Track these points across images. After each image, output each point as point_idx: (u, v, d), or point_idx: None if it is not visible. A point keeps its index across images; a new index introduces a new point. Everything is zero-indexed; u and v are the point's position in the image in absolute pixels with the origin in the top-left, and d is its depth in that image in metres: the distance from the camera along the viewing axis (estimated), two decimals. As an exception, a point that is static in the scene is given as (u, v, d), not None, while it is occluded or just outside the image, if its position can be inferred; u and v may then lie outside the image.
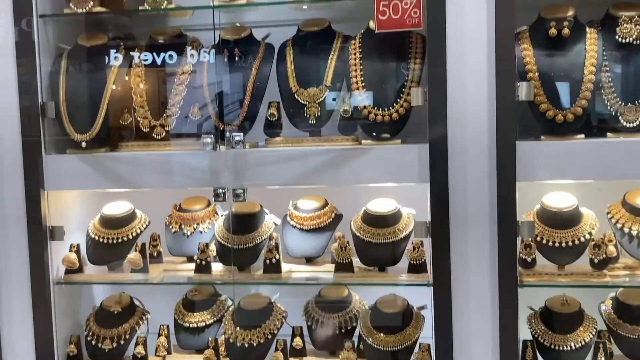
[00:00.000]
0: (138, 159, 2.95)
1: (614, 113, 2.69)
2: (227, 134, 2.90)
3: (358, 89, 2.84)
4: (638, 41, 2.69)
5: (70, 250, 3.09)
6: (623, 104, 2.69)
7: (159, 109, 3.02)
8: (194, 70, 2.99)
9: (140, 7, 2.96)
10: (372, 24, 2.84)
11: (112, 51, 2.99)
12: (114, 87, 2.97)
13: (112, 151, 3.01)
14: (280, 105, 2.97)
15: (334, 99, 2.94)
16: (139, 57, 2.99)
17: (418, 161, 2.71)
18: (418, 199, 2.83)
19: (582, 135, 2.69)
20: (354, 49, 2.90)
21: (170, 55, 2.95)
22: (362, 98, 2.83)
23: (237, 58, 2.97)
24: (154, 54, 2.97)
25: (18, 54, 2.90)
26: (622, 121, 2.69)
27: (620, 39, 2.70)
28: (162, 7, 2.92)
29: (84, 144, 2.94)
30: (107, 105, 2.95)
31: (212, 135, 2.87)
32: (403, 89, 2.82)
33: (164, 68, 3.01)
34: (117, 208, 3.15)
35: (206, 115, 2.98)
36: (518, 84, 2.62)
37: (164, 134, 2.99)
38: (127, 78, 3.02)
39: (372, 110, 2.83)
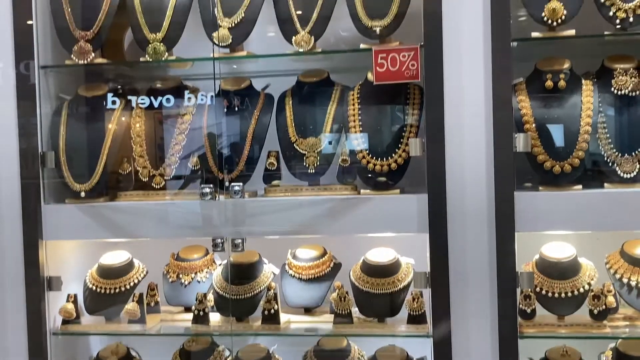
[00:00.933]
0: (137, 208, 2.96)
1: (611, 164, 2.72)
2: (227, 183, 2.91)
3: (357, 139, 2.87)
4: (633, 93, 2.73)
5: (68, 301, 3.07)
6: (620, 155, 2.72)
7: (159, 158, 3.03)
8: (194, 119, 3.01)
9: (141, 59, 2.99)
10: (370, 76, 2.88)
11: (110, 95, 3.02)
12: (113, 136, 2.99)
13: (111, 200, 3.02)
14: (280, 155, 2.99)
15: (330, 142, 2.96)
16: (137, 100, 3.01)
17: (417, 211, 2.72)
18: (417, 249, 2.83)
19: (580, 186, 2.70)
20: (353, 99, 2.94)
21: (168, 99, 2.98)
22: (361, 148, 2.87)
23: (236, 108, 3.00)
24: (152, 97, 3.00)
25: (19, 105, 2.92)
26: (619, 172, 2.71)
27: (615, 91, 2.74)
28: (163, 59, 2.95)
29: (83, 194, 2.95)
30: (106, 155, 2.97)
31: (211, 185, 2.88)
32: (401, 139, 2.84)
33: (163, 115, 3.05)
34: (115, 258, 3.13)
35: (205, 165, 2.99)
36: (515, 135, 2.64)
37: (163, 183, 3.00)
38: (127, 127, 3.04)
39: (371, 160, 2.85)
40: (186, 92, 3.00)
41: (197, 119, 3.02)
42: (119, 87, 3.13)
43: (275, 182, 2.98)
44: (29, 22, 2.93)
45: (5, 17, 2.92)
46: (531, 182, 2.81)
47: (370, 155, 2.85)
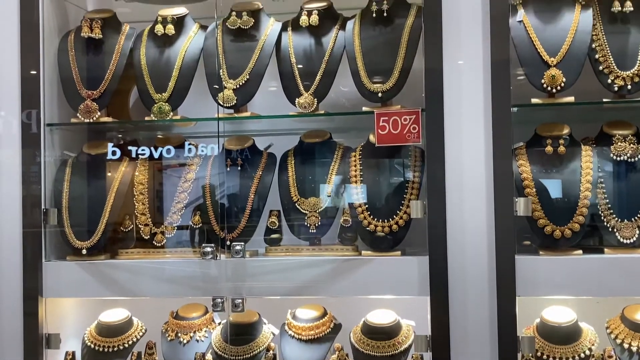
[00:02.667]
0: (137, 266, 2.95)
1: (610, 229, 2.73)
2: (228, 242, 2.92)
3: (358, 200, 2.89)
4: (632, 159, 2.77)
5: (66, 358, 3.04)
6: (619, 220, 2.74)
7: (160, 215, 3.05)
8: (197, 177, 3.04)
9: (146, 118, 3.04)
10: (372, 138, 2.92)
11: (110, 145, 3.05)
12: (116, 194, 3.00)
13: (112, 258, 3.02)
14: (281, 214, 3.01)
15: (331, 203, 2.98)
16: (137, 150, 3.04)
17: (418, 274, 2.72)
18: (418, 311, 2.82)
19: (580, 251, 2.72)
20: (354, 160, 2.96)
21: (169, 149, 3.01)
22: (362, 209, 2.88)
23: (239, 167, 3.03)
24: (151, 148, 3.04)
25: (24, 163, 2.95)
26: (619, 237, 2.73)
27: (614, 157, 2.77)
28: (168, 118, 3.00)
29: (84, 251, 2.96)
30: (109, 212, 2.99)
31: (212, 244, 2.89)
32: (403, 201, 2.86)
33: (166, 173, 3.09)
34: (113, 315, 3.11)
35: (207, 223, 3.00)
36: (516, 199, 2.67)
37: (164, 241, 3.01)
38: (130, 184, 3.05)
39: (372, 221, 2.86)
40: (186, 143, 3.04)
41: (199, 176, 3.04)
42: (122, 142, 3.16)
43: (275, 236, 2.99)
44: (33, 72, 2.96)
45: (13, 67, 2.96)
46: (530, 241, 2.82)
47: (371, 217, 2.86)
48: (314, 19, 2.96)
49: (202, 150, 3.03)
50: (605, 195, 2.76)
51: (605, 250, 2.73)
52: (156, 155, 3.02)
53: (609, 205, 2.75)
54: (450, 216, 2.68)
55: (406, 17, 2.90)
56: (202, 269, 2.90)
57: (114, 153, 3.04)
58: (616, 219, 2.73)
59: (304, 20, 2.98)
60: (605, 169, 2.79)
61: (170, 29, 3.06)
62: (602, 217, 2.74)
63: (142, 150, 3.05)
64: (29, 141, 2.96)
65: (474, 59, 2.68)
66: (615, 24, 2.79)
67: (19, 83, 2.97)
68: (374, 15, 2.92)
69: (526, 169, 2.80)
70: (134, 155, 3.06)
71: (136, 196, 3.04)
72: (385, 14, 2.91)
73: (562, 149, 2.79)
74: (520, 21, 2.82)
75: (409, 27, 2.88)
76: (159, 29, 3.06)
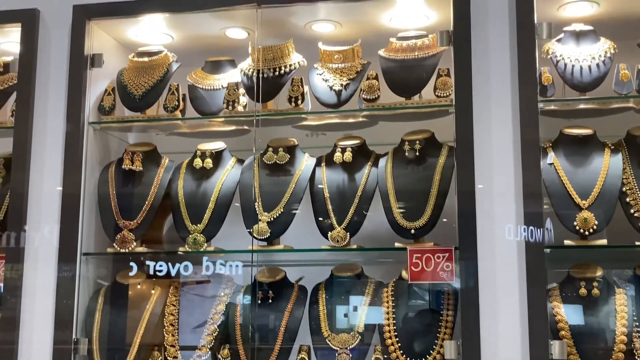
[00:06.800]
0: (166, 401, 2.91)
1: (649, 375, 2.69)
2: (258, 378, 2.88)
3: (390, 338, 2.86)
4: (668, 305, 2.75)
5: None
6: (656, 363, 2.69)
7: (190, 348, 3.02)
8: (228, 310, 3.02)
9: (181, 248, 3.07)
10: (405, 274, 2.91)
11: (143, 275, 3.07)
12: (146, 325, 2.99)
13: (140, 391, 2.98)
14: (311, 349, 2.96)
15: (362, 339, 2.91)
16: (154, 266, 3.02)
17: (451, 415, 2.66)
18: None
19: (618, 400, 2.66)
20: (387, 296, 2.95)
21: (186, 266, 2.99)
22: (395, 347, 2.82)
23: (270, 301, 3.01)
24: (169, 263, 3.01)
25: (58, 291, 2.96)
26: (654, 374, 2.67)
27: (650, 301, 2.77)
28: (202, 250, 3.02)
29: (113, 384, 2.93)
30: (138, 344, 2.97)
31: (242, 380, 2.85)
32: (436, 341, 2.82)
33: (196, 305, 3.06)
34: None
35: (236, 358, 2.96)
36: (551, 342, 2.62)
37: (194, 376, 2.97)
38: (160, 315, 3.04)
39: (405, 360, 2.84)
40: (205, 258, 3.00)
41: (230, 310, 3.04)
42: (157, 272, 3.14)
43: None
44: (73, 202, 3.00)
45: (54, 197, 3.02)
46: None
47: (404, 356, 2.81)
48: (348, 156, 3.03)
49: (221, 269, 2.98)
50: (643, 341, 2.73)
51: (642, 393, 2.67)
52: (173, 272, 3.00)
53: (647, 350, 2.71)
54: (485, 358, 2.63)
55: (438, 156, 2.97)
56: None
57: (150, 290, 3.04)
58: (653, 363, 2.69)
59: (338, 157, 3.05)
60: (641, 314, 2.78)
61: (209, 162, 3.13)
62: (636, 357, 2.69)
63: (160, 265, 3.02)
64: (64, 269, 2.98)
65: (507, 207, 2.72)
66: (645, 168, 2.85)
67: (59, 212, 3.02)
68: (407, 154, 2.98)
69: (560, 310, 2.78)
70: (151, 271, 3.02)
71: (166, 327, 3.02)
72: (417, 154, 2.98)
73: (596, 291, 2.78)
74: (550, 164, 2.88)
75: (441, 166, 2.94)
76: (198, 162, 3.13)
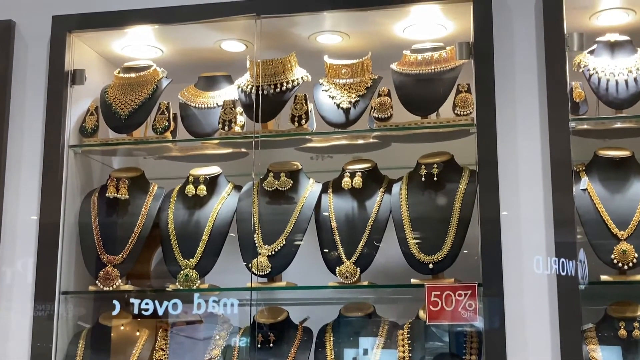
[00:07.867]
0: None
1: None
2: None
3: (407, 387, 2.60)
4: None
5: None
6: None
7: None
8: (223, 355, 2.76)
9: (171, 286, 2.83)
10: (422, 314, 2.66)
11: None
12: None
13: None
14: (318, 399, 2.73)
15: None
16: (139, 304, 2.78)
17: None
18: None
19: None
20: (402, 339, 2.69)
21: (175, 304, 2.74)
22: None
23: (271, 344, 2.76)
24: (155, 301, 2.77)
25: (34, 336, 2.75)
26: None
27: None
28: (194, 288, 2.79)
29: None
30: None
31: None
32: (457, 387, 2.59)
33: (188, 350, 2.81)
34: None
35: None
36: (592, 392, 2.40)
37: None
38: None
39: (423, 409, 2.57)
40: (196, 295, 2.76)
41: (227, 354, 2.77)
42: (142, 311, 2.89)
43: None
44: (51, 235, 2.83)
45: (31, 230, 2.85)
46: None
47: (422, 403, 2.57)
48: (358, 181, 2.81)
49: (213, 307, 2.74)
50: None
51: None
52: (161, 311, 2.75)
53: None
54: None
55: (458, 181, 2.77)
56: None
57: (136, 331, 2.81)
58: None
59: (346, 182, 2.83)
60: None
61: (202, 189, 2.93)
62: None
63: (146, 303, 2.77)
64: (40, 309, 2.77)
65: (536, 237, 2.52)
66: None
67: (35, 245, 2.83)
68: (423, 179, 2.76)
69: (598, 355, 2.54)
70: (135, 310, 2.78)
71: (156, 369, 2.78)
72: (435, 178, 2.76)
73: (637, 332, 2.57)
74: (584, 189, 2.68)
75: (462, 192, 2.73)
76: (190, 189, 2.93)
